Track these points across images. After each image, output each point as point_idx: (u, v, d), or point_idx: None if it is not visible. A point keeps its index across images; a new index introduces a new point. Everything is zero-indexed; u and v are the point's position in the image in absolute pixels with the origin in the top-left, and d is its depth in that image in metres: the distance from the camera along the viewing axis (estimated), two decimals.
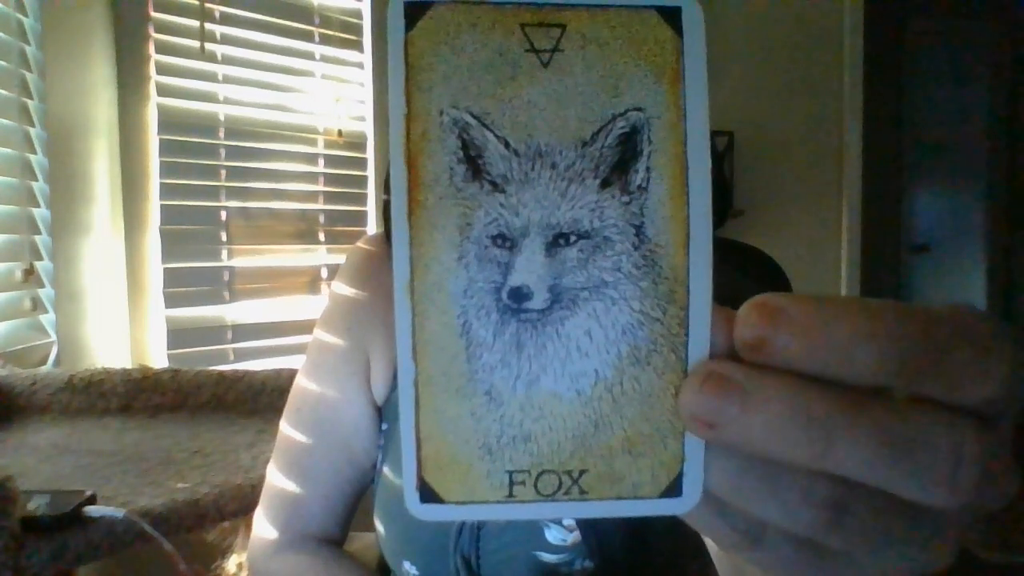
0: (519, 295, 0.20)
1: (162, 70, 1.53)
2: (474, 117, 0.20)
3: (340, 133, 1.87)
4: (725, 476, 0.20)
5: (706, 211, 0.20)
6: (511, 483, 0.20)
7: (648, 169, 0.20)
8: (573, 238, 0.20)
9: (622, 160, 0.20)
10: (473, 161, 0.20)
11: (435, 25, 0.20)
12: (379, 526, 0.67)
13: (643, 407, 0.20)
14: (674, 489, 0.20)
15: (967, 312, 0.19)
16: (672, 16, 0.20)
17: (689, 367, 0.20)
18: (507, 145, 0.20)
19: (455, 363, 0.20)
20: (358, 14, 1.92)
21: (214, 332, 1.64)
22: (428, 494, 0.20)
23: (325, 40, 1.84)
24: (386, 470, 0.67)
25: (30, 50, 1.28)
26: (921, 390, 0.18)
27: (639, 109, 0.20)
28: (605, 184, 0.20)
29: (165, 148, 1.53)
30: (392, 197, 0.19)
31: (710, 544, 0.26)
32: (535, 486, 0.20)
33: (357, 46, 1.92)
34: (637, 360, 0.20)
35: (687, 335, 0.20)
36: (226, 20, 1.64)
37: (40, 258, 1.30)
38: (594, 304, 0.20)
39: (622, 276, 0.20)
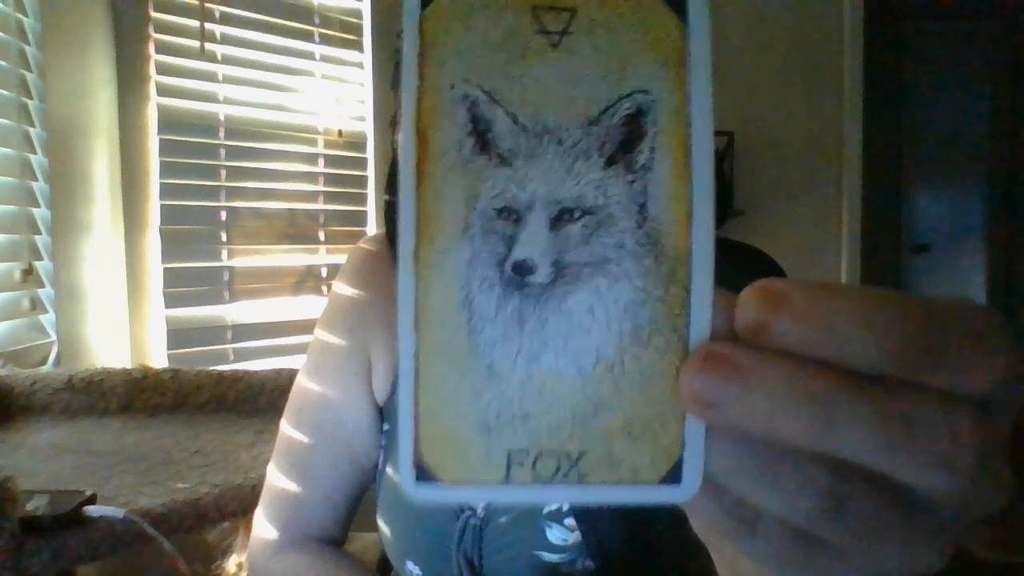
0: (523, 268, 0.20)
1: (162, 70, 1.53)
2: (484, 92, 0.20)
3: (340, 133, 1.87)
4: (724, 460, 0.20)
5: (709, 193, 0.20)
6: (509, 464, 0.20)
7: (652, 149, 0.20)
8: (578, 213, 0.20)
9: (627, 140, 0.20)
10: (482, 135, 0.20)
11: (449, 5, 0.20)
12: (382, 527, 0.67)
13: (644, 388, 0.20)
14: (674, 475, 0.20)
15: (966, 304, 0.19)
16: (678, 4, 0.20)
17: (690, 348, 0.20)
18: (515, 120, 0.20)
19: (456, 336, 0.20)
20: (358, 14, 1.92)
21: (214, 332, 1.64)
22: (424, 473, 0.20)
23: (325, 40, 1.84)
24: (389, 471, 0.67)
25: (30, 50, 1.28)
26: (919, 379, 0.18)
27: (645, 92, 0.20)
28: (610, 162, 0.20)
29: (165, 148, 1.53)
30: (400, 167, 0.20)
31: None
32: (533, 468, 0.20)
33: (357, 46, 1.91)
34: (639, 340, 0.20)
35: (689, 315, 0.20)
36: (226, 20, 1.64)
37: (40, 258, 1.30)
38: (597, 280, 0.20)
39: (625, 253, 0.20)
